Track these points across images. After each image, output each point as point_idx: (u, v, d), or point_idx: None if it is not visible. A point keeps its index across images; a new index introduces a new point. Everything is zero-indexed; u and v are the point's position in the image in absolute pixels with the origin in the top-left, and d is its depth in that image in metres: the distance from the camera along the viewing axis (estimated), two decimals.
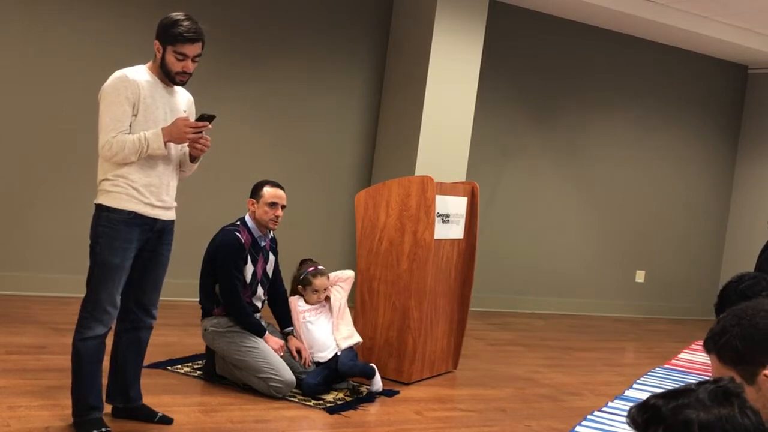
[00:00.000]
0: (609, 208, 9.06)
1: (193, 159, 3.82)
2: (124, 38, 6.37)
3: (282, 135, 7.24)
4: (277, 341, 4.72)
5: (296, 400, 4.54)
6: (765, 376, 1.77)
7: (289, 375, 4.54)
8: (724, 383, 1.49)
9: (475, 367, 5.88)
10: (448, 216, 5.38)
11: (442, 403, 4.96)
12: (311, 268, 4.93)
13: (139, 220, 3.63)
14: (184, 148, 3.78)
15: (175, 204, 3.80)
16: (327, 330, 4.91)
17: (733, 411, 1.45)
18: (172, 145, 3.67)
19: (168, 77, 3.67)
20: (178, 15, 3.64)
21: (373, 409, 4.59)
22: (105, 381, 3.81)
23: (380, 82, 7.63)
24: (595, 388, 5.62)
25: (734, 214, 9.88)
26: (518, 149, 8.40)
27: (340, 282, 5.04)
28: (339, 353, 4.84)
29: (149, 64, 3.71)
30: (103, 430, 3.59)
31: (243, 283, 4.66)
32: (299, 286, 4.93)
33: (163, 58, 3.63)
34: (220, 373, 4.73)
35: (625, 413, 1.54)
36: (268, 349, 4.61)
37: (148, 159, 3.61)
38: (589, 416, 4.53)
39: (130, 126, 3.58)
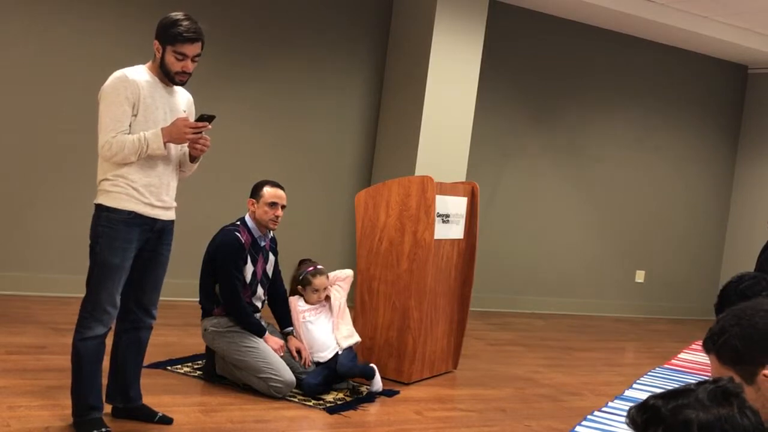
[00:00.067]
0: (609, 208, 9.06)
1: (192, 159, 3.82)
2: (124, 38, 6.37)
3: (282, 135, 7.24)
4: (277, 341, 4.72)
5: (296, 400, 4.54)
6: (764, 375, 1.77)
7: (289, 375, 4.54)
8: (724, 383, 1.49)
9: (475, 367, 5.88)
10: (448, 216, 5.38)
11: (442, 403, 4.96)
12: (310, 268, 4.93)
13: (139, 220, 3.63)
14: (184, 148, 3.78)
15: (175, 204, 3.80)
16: (327, 330, 4.91)
17: (733, 411, 1.45)
18: (171, 145, 3.67)
19: (168, 77, 3.67)
20: (178, 15, 3.63)
21: (373, 409, 4.59)
22: (105, 381, 3.81)
23: (380, 82, 7.63)
24: (595, 388, 5.62)
25: (734, 214, 9.88)
26: (518, 149, 8.40)
27: (339, 281, 5.04)
28: (339, 352, 4.84)
29: (149, 64, 3.71)
30: (103, 430, 3.59)
31: (243, 283, 4.66)
32: (299, 287, 4.93)
33: (162, 58, 3.63)
34: (220, 373, 4.73)
35: (625, 413, 1.54)
36: (268, 349, 4.61)
37: (147, 159, 3.61)
38: (589, 416, 4.53)
39: (130, 126, 3.58)
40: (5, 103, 6.14)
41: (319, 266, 4.96)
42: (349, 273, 5.09)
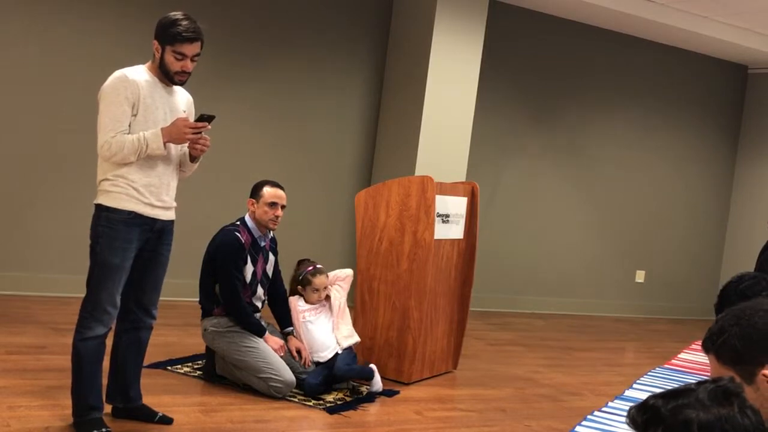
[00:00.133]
0: (609, 208, 9.06)
1: (192, 159, 3.82)
2: (124, 38, 6.37)
3: (282, 135, 7.24)
4: (277, 341, 4.72)
5: (296, 400, 4.54)
6: (764, 375, 1.77)
7: (289, 375, 4.54)
8: (724, 383, 1.49)
9: (475, 367, 5.87)
10: (448, 216, 5.38)
11: (442, 403, 4.95)
12: (310, 268, 4.93)
13: (139, 220, 3.63)
14: (184, 148, 3.78)
15: (174, 204, 3.80)
16: (327, 329, 4.91)
17: (733, 411, 1.45)
18: (171, 145, 3.67)
19: (167, 77, 3.67)
20: (177, 15, 3.63)
21: (373, 409, 4.59)
22: (105, 381, 3.81)
23: (380, 82, 7.63)
24: (595, 388, 5.62)
25: (734, 214, 9.88)
26: (518, 149, 8.40)
27: (339, 281, 5.04)
28: (339, 352, 4.84)
29: (148, 64, 3.71)
30: (103, 430, 3.59)
31: (243, 283, 4.66)
32: (299, 286, 4.93)
33: (162, 57, 3.63)
34: (220, 373, 4.73)
35: (625, 413, 1.54)
36: (268, 349, 4.61)
37: (147, 159, 3.61)
38: (589, 416, 4.53)
39: (130, 126, 3.58)
40: (5, 103, 6.14)
41: (318, 266, 4.96)
42: (349, 272, 5.09)
